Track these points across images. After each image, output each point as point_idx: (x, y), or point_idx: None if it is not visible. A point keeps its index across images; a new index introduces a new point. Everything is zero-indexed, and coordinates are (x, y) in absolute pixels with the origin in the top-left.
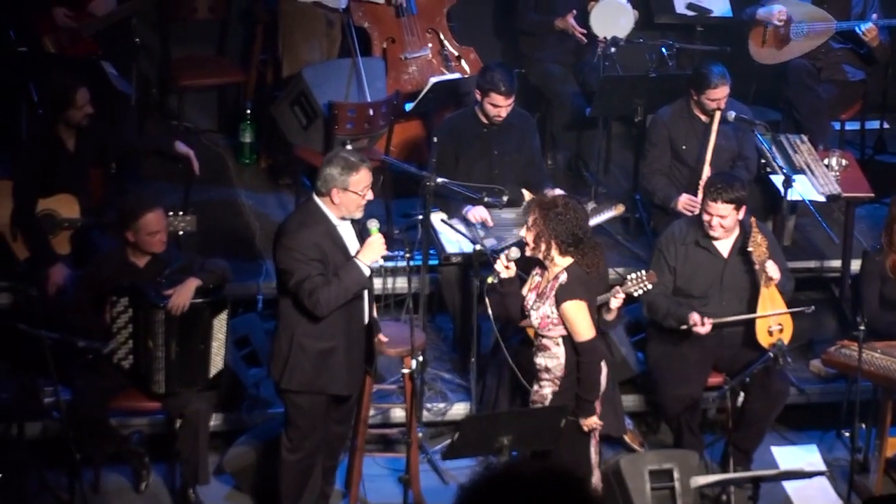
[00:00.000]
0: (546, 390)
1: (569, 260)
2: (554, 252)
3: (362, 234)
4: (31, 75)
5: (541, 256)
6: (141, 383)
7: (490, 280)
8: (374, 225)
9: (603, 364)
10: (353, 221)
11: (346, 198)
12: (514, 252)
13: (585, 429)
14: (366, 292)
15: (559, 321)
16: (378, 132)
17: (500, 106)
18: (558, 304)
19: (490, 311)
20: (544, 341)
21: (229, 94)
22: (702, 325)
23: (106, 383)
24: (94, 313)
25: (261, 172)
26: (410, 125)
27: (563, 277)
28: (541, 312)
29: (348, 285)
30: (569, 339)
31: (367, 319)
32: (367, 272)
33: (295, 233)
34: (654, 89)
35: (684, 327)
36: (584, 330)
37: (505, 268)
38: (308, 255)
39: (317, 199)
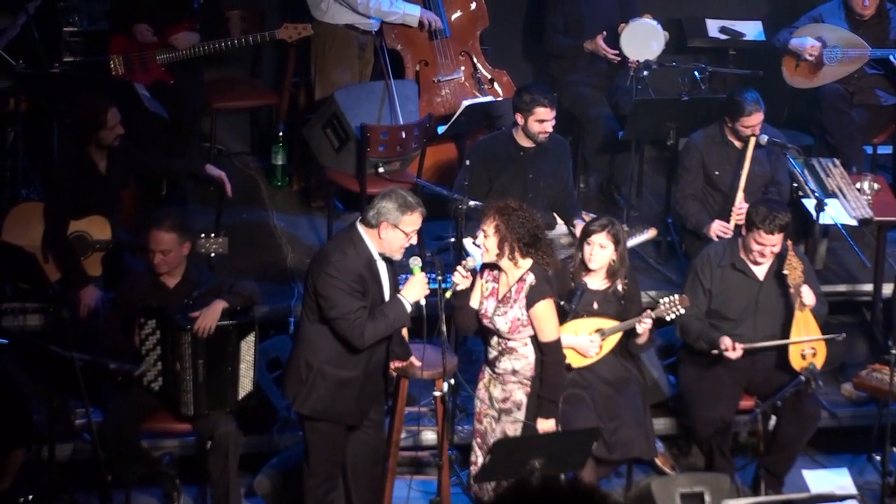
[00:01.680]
0: (518, 395)
1: (529, 261)
2: (517, 254)
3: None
4: (62, 95)
5: (503, 261)
6: (170, 405)
7: (448, 294)
8: (416, 263)
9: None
10: (389, 262)
11: (394, 235)
12: (472, 262)
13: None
14: None
15: (528, 322)
16: (410, 155)
17: (546, 120)
18: (530, 305)
19: (455, 328)
20: (510, 344)
21: (262, 117)
22: (733, 350)
23: (137, 405)
24: (125, 335)
25: (293, 195)
26: (443, 148)
27: (531, 278)
28: (510, 316)
29: (391, 322)
30: (534, 340)
31: (387, 351)
32: (409, 310)
33: (340, 262)
34: (687, 113)
35: (715, 352)
36: (553, 329)
37: (463, 278)
38: (353, 287)
39: (361, 228)
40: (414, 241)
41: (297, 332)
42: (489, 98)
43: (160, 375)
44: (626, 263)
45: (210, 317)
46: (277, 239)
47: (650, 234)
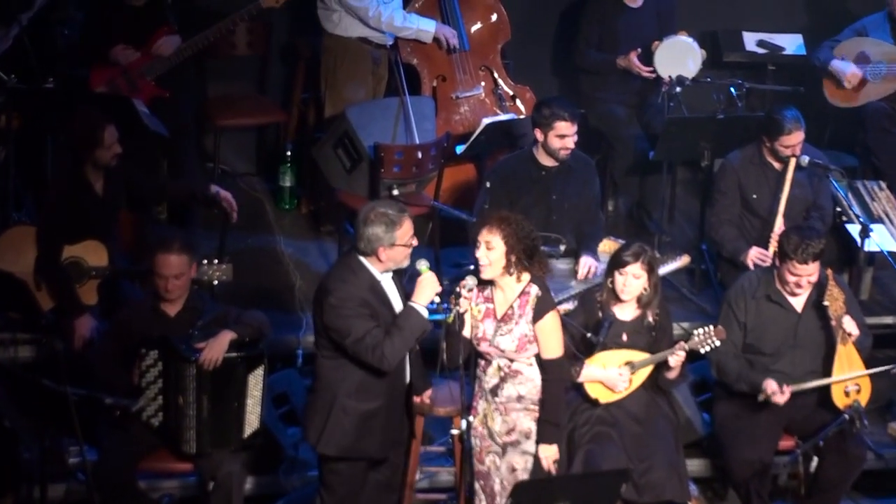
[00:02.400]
0: (525, 423)
1: (528, 274)
2: (520, 267)
3: (412, 279)
4: (56, 112)
5: (504, 276)
6: (171, 443)
7: (450, 319)
8: (423, 265)
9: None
10: (396, 273)
11: (394, 253)
12: (472, 281)
13: (545, 463)
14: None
15: (535, 338)
16: (427, 176)
17: (566, 135)
18: (538, 318)
19: (445, 357)
20: (514, 366)
21: (269, 135)
22: (780, 394)
23: (134, 443)
24: (122, 368)
25: (301, 219)
26: (461, 169)
27: (535, 290)
28: (516, 334)
29: (409, 332)
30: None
31: (408, 378)
32: (425, 314)
33: (340, 290)
34: (722, 132)
35: (761, 397)
36: (559, 344)
37: (465, 299)
38: (359, 311)
39: (359, 254)
40: (415, 242)
41: (313, 374)
42: (511, 116)
43: (161, 410)
44: (659, 293)
45: (217, 348)
46: (285, 266)
47: (683, 261)
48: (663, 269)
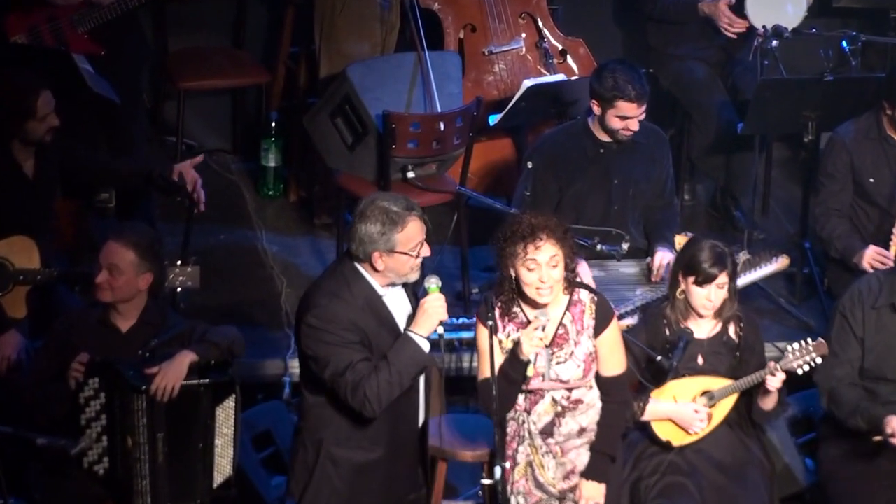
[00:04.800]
0: (587, 458)
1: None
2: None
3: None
4: None
5: (563, 291)
6: (120, 495)
7: (530, 372)
8: (433, 283)
9: None
10: (406, 285)
11: (394, 261)
12: (544, 318)
13: None
14: (421, 380)
15: (596, 354)
16: (451, 154)
17: (629, 117)
18: (602, 327)
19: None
20: (576, 395)
21: (247, 102)
22: None
23: (75, 496)
24: (60, 398)
25: (289, 208)
26: (496, 144)
27: (586, 296)
28: (579, 356)
29: (402, 368)
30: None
31: (422, 417)
32: (425, 346)
33: (325, 308)
34: (832, 98)
35: (878, 438)
36: (623, 356)
37: (541, 342)
38: (344, 338)
39: (355, 260)
40: (426, 252)
41: (298, 406)
42: (560, 76)
43: (106, 455)
44: (737, 298)
45: (172, 373)
46: (268, 269)
47: (781, 263)
48: (755, 274)
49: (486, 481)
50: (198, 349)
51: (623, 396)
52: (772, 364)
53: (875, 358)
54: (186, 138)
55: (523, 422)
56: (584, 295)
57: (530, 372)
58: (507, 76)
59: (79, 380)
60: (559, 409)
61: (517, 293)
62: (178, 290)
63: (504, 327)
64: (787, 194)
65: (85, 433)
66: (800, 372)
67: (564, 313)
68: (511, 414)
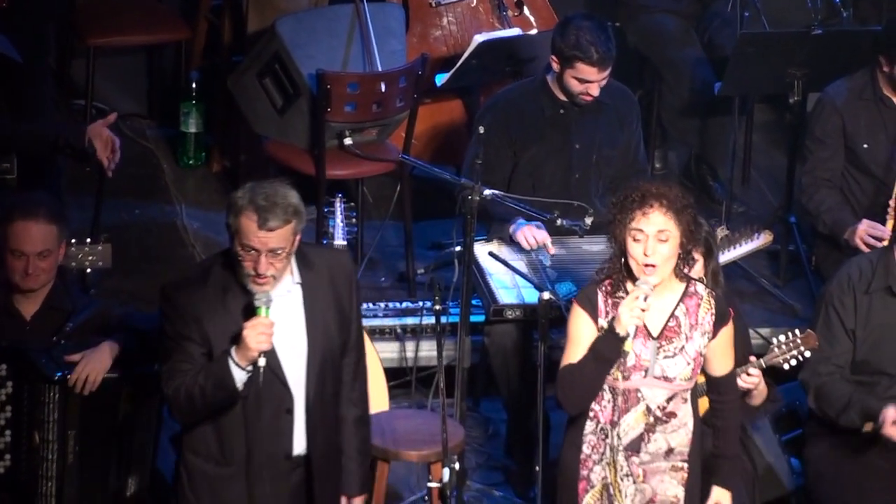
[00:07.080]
0: (671, 489)
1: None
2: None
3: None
4: None
5: (677, 275)
6: (21, 498)
7: (627, 347)
8: (262, 302)
9: None
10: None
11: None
12: (648, 286)
13: None
14: (300, 402)
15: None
16: (394, 118)
17: (590, 81)
18: (720, 326)
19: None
20: (671, 405)
21: (165, 60)
22: None
23: None
24: None
25: (212, 179)
26: (444, 107)
27: (702, 289)
28: (690, 353)
29: (209, 388)
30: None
31: (298, 445)
32: (238, 377)
33: (174, 291)
34: (820, 54)
35: (868, 427)
36: (734, 352)
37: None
38: (181, 331)
39: None
40: (264, 270)
41: None
42: (515, 31)
43: (8, 452)
44: (721, 283)
45: (96, 364)
46: (188, 247)
47: (763, 240)
48: (735, 252)
49: (434, 484)
50: (122, 338)
51: (737, 394)
52: (752, 359)
53: (871, 349)
54: (97, 102)
55: (606, 436)
56: (700, 288)
57: (627, 347)
58: (456, 30)
59: None
60: (651, 420)
61: (626, 272)
62: (88, 270)
63: (608, 313)
64: (770, 162)
65: None
66: (786, 367)
67: (678, 304)
68: (591, 427)
